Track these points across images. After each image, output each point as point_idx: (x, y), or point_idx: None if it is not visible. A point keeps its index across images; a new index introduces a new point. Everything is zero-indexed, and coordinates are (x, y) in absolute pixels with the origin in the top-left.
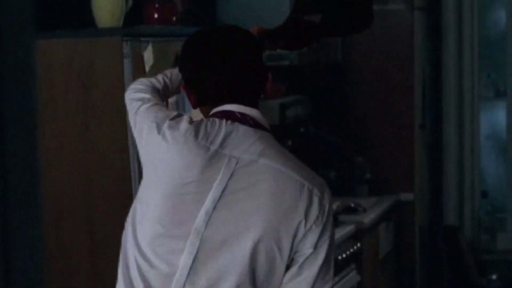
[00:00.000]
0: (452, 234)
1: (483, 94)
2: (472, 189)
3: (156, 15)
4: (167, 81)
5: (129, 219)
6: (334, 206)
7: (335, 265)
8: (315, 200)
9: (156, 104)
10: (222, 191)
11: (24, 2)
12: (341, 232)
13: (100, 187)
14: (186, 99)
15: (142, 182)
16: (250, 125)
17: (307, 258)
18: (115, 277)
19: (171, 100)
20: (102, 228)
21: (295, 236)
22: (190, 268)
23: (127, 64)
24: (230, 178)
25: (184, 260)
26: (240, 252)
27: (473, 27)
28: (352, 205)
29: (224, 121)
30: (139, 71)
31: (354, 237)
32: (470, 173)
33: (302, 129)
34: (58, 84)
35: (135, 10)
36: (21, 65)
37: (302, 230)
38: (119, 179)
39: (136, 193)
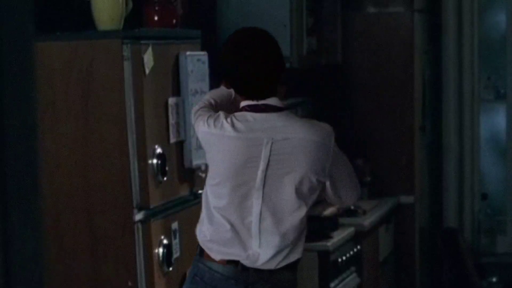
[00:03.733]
0: (451, 237)
1: (483, 96)
2: (472, 192)
3: (156, 18)
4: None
5: None
6: (334, 209)
7: (335, 267)
8: (324, 148)
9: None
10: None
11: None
12: (341, 235)
13: (100, 187)
14: (186, 102)
15: None
16: (273, 111)
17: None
18: (116, 277)
19: (171, 102)
20: (102, 228)
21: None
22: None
23: (127, 66)
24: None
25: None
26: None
27: (473, 29)
28: (352, 207)
29: (254, 113)
30: (139, 74)
31: (354, 239)
32: (470, 176)
33: None
34: (59, 86)
35: (135, 13)
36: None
37: (324, 170)
38: (119, 179)
39: (135, 194)
